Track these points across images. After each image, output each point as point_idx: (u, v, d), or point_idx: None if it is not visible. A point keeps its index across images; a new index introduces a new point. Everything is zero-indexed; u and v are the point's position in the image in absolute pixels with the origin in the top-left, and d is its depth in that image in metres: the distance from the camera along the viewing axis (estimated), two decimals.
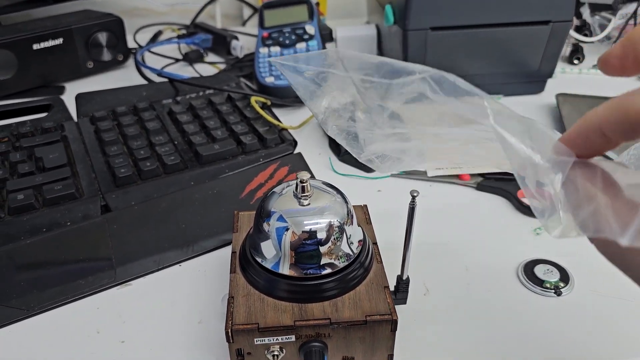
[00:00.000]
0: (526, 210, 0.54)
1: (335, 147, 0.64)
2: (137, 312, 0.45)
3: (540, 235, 0.52)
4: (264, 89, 0.74)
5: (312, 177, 0.58)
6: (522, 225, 0.53)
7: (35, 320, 0.44)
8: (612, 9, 0.90)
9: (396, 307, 0.43)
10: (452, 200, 0.56)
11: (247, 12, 1.09)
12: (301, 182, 0.38)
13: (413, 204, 0.37)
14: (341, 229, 0.38)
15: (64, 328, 0.43)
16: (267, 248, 0.39)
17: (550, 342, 0.41)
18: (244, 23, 1.09)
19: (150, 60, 0.91)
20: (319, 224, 0.38)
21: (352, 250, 0.39)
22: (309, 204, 0.38)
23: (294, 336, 0.37)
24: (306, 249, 0.38)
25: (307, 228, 0.37)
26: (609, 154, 0.57)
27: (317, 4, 0.95)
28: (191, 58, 0.90)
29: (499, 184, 0.57)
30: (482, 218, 0.54)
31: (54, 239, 0.50)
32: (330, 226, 0.38)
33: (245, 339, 0.36)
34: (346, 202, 0.40)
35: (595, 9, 0.91)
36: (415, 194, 0.36)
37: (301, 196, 0.38)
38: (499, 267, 0.48)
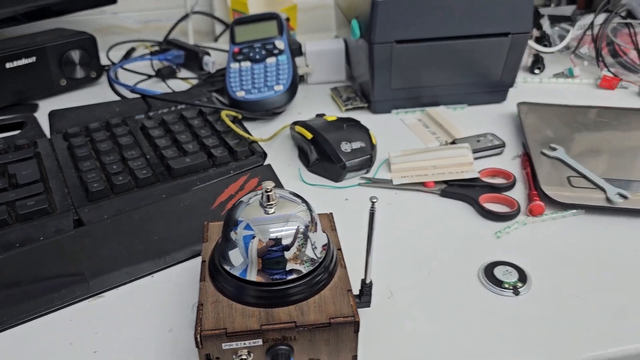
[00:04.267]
0: (488, 214, 0.56)
1: (304, 158, 0.66)
2: (109, 323, 0.46)
3: (501, 239, 0.54)
4: (235, 103, 0.75)
5: (279, 186, 0.60)
6: (484, 229, 0.55)
7: (9, 334, 0.45)
8: (571, 20, 0.94)
9: (361, 310, 0.45)
10: (417, 207, 0.58)
11: (219, 28, 1.11)
12: (266, 191, 0.40)
13: (372, 210, 0.39)
14: (305, 236, 0.40)
15: (37, 341, 0.44)
16: (235, 256, 0.40)
17: (509, 339, 0.43)
18: (216, 39, 1.11)
19: (124, 76, 0.93)
20: (283, 231, 0.39)
21: (316, 255, 0.41)
22: (274, 212, 0.40)
23: (261, 340, 0.38)
24: (272, 255, 0.39)
25: (272, 235, 0.39)
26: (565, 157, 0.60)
27: (287, 19, 0.97)
28: (164, 74, 0.91)
29: (462, 190, 0.59)
30: (446, 223, 0.56)
31: (27, 253, 0.50)
32: (294, 233, 0.39)
33: (214, 344, 0.38)
34: (310, 210, 0.41)
35: (554, 20, 0.94)
36: (374, 200, 0.38)
37: (266, 205, 0.40)
38: (461, 269, 0.50)
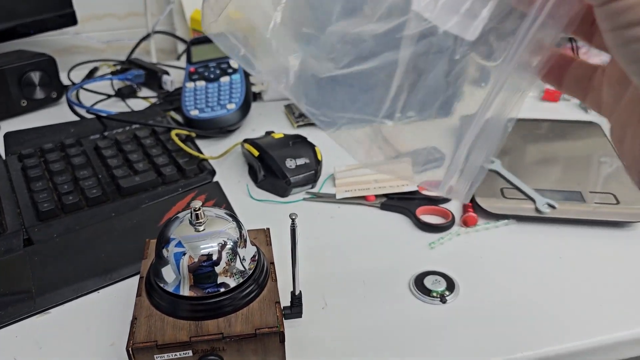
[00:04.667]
0: (423, 226, 0.59)
1: (253, 174, 0.69)
2: (54, 338, 0.47)
3: (434, 249, 0.56)
4: (189, 122, 0.77)
5: (222, 203, 0.62)
6: (419, 240, 0.58)
7: None
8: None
9: (295, 320, 0.47)
10: (358, 220, 0.61)
11: (180, 46, 1.13)
12: (194, 210, 0.42)
13: (293, 226, 0.41)
14: (234, 251, 0.42)
15: None
16: (168, 272, 0.42)
17: (434, 344, 0.46)
18: (178, 57, 1.13)
19: (85, 96, 0.94)
20: (212, 247, 0.42)
21: (245, 268, 0.43)
22: (204, 229, 0.42)
23: (191, 351, 0.40)
24: (203, 270, 0.42)
25: (202, 252, 0.41)
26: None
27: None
28: (124, 93, 0.93)
29: (401, 202, 0.62)
30: (383, 235, 0.59)
31: None
32: (223, 248, 0.42)
33: (146, 356, 0.40)
34: (239, 226, 0.44)
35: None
36: (293, 217, 0.41)
37: (196, 223, 0.42)
38: (394, 279, 0.53)
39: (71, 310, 0.50)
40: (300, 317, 0.47)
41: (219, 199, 0.62)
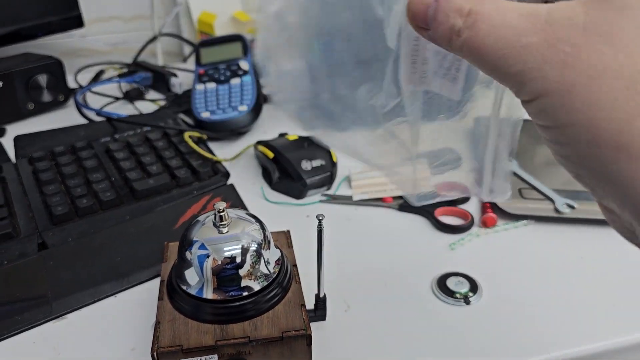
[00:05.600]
0: (443, 227, 0.58)
1: (267, 176, 0.68)
2: (72, 344, 0.47)
3: (455, 250, 0.56)
4: (200, 124, 0.77)
5: (240, 205, 0.61)
6: (439, 242, 0.57)
7: None
8: None
9: (318, 323, 0.47)
10: (375, 222, 0.60)
11: (187, 49, 1.13)
12: (218, 211, 0.41)
13: (320, 227, 0.40)
14: (258, 253, 0.41)
15: None
16: (191, 275, 0.41)
17: (460, 348, 0.45)
18: (185, 60, 1.13)
19: (92, 99, 0.94)
20: (237, 250, 0.41)
21: (269, 271, 0.42)
22: (227, 231, 0.41)
23: (216, 355, 0.39)
24: (227, 273, 0.41)
25: (226, 254, 0.41)
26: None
27: (253, 40, 0.99)
28: (131, 96, 0.93)
29: None
30: (402, 236, 0.58)
31: None
32: (247, 250, 0.41)
33: None
34: (263, 228, 0.43)
35: None
36: (320, 218, 0.40)
37: (219, 225, 0.41)
38: (415, 281, 0.52)
39: (88, 315, 0.50)
40: (324, 319, 0.46)
41: (235, 202, 0.62)
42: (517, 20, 0.25)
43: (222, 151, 0.74)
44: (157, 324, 0.41)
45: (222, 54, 0.85)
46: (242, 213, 0.44)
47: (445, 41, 0.27)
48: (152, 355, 0.38)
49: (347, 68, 0.38)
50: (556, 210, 0.59)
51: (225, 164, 0.70)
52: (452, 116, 0.39)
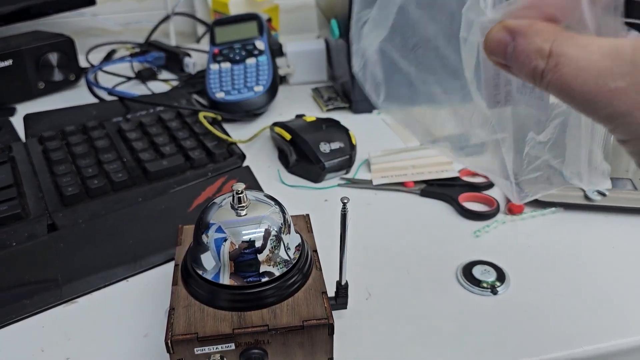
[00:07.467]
0: (467, 213, 0.56)
1: (284, 159, 0.66)
2: (82, 328, 0.45)
3: (480, 238, 0.53)
4: (215, 105, 0.75)
5: (256, 188, 0.59)
6: (463, 229, 0.55)
7: None
8: None
9: (338, 311, 0.45)
10: (397, 207, 0.58)
11: (200, 29, 1.10)
12: (237, 193, 0.39)
13: (344, 211, 0.38)
14: (278, 237, 0.39)
15: (7, 349, 0.43)
16: (207, 259, 0.39)
17: (487, 339, 0.43)
18: (198, 40, 1.10)
19: (104, 79, 0.91)
20: (256, 233, 0.39)
21: (289, 257, 0.40)
22: (246, 214, 0.39)
23: (233, 344, 0.37)
24: (245, 258, 0.39)
25: (245, 238, 0.39)
26: None
27: (269, 20, 0.96)
28: (144, 76, 0.90)
29: (442, 189, 0.59)
30: (425, 223, 0.56)
31: None
32: (267, 235, 0.39)
33: (186, 348, 0.37)
34: (283, 211, 0.41)
35: None
36: (345, 201, 0.38)
37: (238, 207, 0.39)
38: (439, 269, 0.50)
39: (100, 300, 0.48)
40: (346, 308, 0.44)
41: (251, 184, 0.59)
42: (603, 62, 0.24)
43: (237, 132, 0.72)
44: (172, 310, 0.39)
45: (238, 33, 0.83)
46: (260, 195, 0.42)
47: (529, 80, 0.27)
48: (166, 343, 0.37)
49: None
50: (586, 197, 0.56)
51: (240, 145, 0.68)
52: (541, 131, 0.38)
